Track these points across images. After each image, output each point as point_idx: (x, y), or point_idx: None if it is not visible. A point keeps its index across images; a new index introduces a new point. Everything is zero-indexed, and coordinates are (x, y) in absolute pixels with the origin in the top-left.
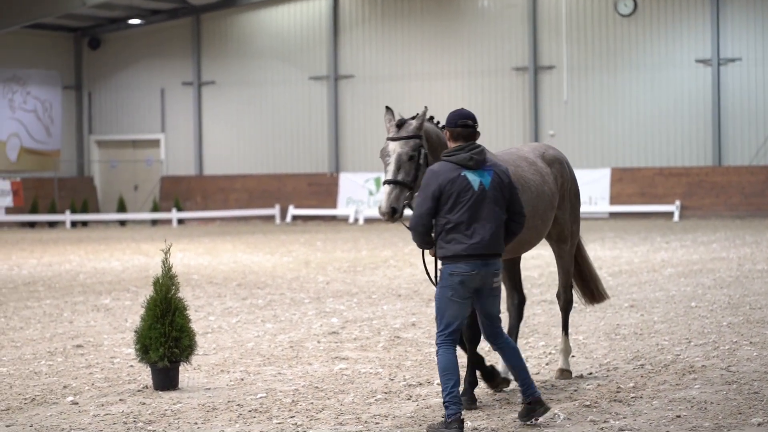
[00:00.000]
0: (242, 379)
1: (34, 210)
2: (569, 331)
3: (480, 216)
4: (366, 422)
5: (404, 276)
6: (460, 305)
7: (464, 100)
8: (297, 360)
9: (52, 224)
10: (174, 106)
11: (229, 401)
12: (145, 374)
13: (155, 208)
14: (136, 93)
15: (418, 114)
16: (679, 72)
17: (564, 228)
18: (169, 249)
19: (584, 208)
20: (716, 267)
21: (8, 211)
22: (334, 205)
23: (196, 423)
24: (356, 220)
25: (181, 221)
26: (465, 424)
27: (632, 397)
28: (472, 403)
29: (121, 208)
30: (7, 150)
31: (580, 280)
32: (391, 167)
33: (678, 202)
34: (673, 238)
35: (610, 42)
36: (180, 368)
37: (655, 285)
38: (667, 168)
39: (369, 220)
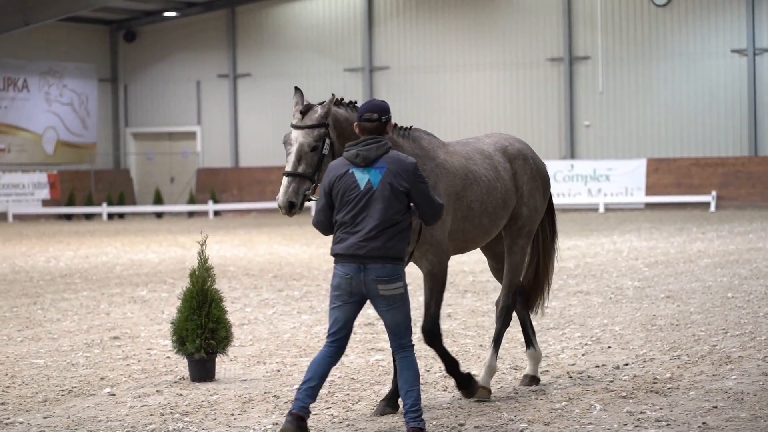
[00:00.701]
0: (278, 371)
1: (70, 202)
2: (500, 346)
3: (365, 216)
4: (402, 414)
5: None
6: (341, 309)
7: (499, 92)
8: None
9: (88, 216)
10: (210, 98)
11: (265, 392)
12: (181, 366)
13: (191, 200)
14: (172, 85)
15: (325, 101)
16: (714, 62)
17: (521, 222)
18: (205, 241)
19: (620, 199)
20: (753, 257)
21: (45, 203)
22: None
23: (232, 414)
24: None
25: (217, 213)
26: (308, 424)
27: (668, 388)
28: (389, 407)
29: (158, 200)
30: (43, 143)
31: (532, 284)
32: (292, 158)
33: (714, 193)
34: (709, 228)
35: (645, 32)
36: (216, 360)
37: (692, 276)
38: (703, 158)
39: None
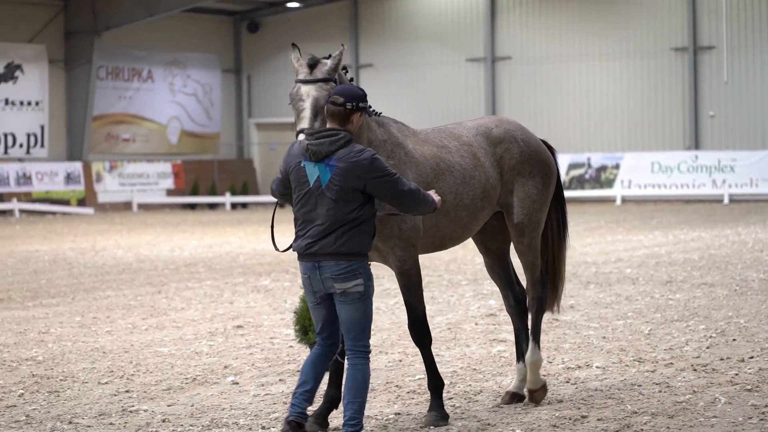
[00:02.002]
0: (400, 361)
1: (194, 192)
2: (541, 338)
3: (316, 214)
4: (525, 405)
5: None
6: (315, 309)
7: (622, 81)
8: (455, 342)
9: (212, 206)
10: None
11: (387, 382)
12: (304, 354)
13: None
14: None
15: (331, 54)
16: None
17: (517, 217)
18: None
19: (745, 190)
20: None
21: (169, 193)
22: None
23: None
24: None
25: None
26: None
27: None
28: (317, 424)
29: None
30: (167, 133)
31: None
32: (307, 113)
33: None
34: None
35: None
36: None
37: None
38: None
39: None
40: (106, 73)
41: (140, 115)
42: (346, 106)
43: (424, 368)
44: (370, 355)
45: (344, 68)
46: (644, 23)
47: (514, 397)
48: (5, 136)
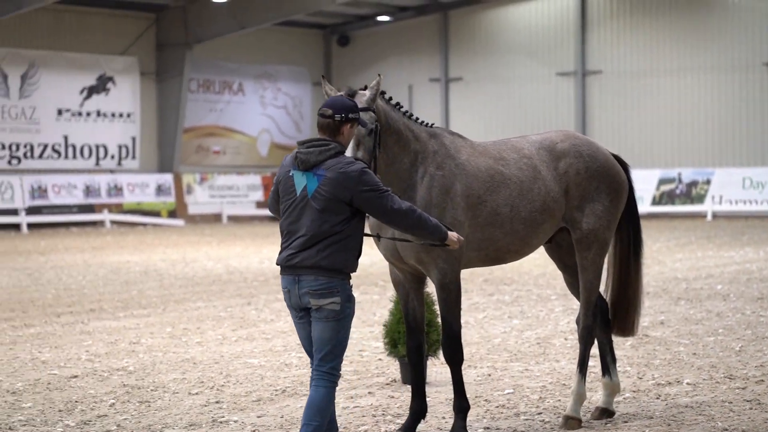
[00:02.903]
0: (489, 375)
1: None
2: (588, 370)
3: (300, 225)
4: (614, 421)
5: (652, 274)
6: (299, 327)
7: (713, 96)
8: (544, 357)
9: None
10: (421, 102)
11: (476, 396)
12: (393, 368)
13: None
14: (384, 89)
15: (368, 85)
16: None
17: (581, 233)
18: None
19: None
20: None
21: (259, 205)
22: None
23: (443, 417)
24: None
25: None
26: None
27: None
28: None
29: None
30: (258, 145)
31: (619, 303)
32: (350, 144)
33: None
34: None
35: None
36: (428, 362)
37: None
38: None
39: None
40: (197, 86)
41: (231, 128)
42: (335, 118)
43: (513, 383)
44: (338, 380)
45: (382, 93)
46: (736, 37)
47: (604, 413)
48: (97, 147)
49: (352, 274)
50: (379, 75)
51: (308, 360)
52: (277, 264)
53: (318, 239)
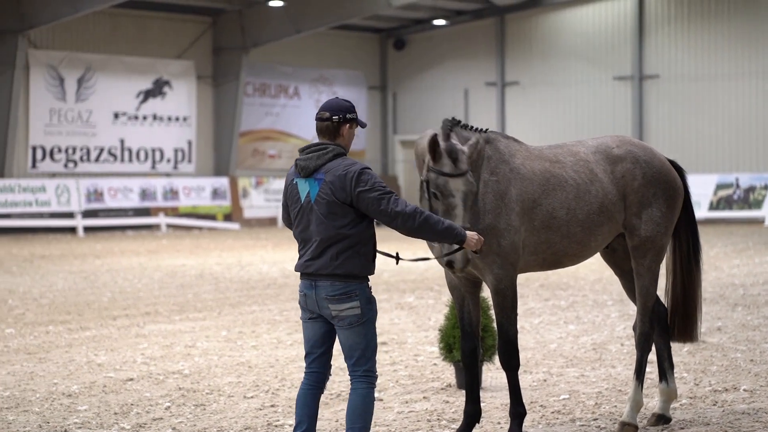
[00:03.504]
0: (545, 380)
1: None
2: (645, 377)
3: (309, 231)
4: (671, 427)
5: (709, 279)
6: (307, 326)
7: None
8: (600, 362)
9: None
10: (477, 106)
11: (532, 402)
12: (448, 372)
13: None
14: (440, 93)
15: (471, 139)
16: None
17: (639, 239)
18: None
19: None
20: None
21: None
22: None
23: (498, 423)
24: None
25: None
26: None
27: None
28: None
29: None
30: None
31: (678, 309)
32: (459, 211)
33: None
34: None
35: None
36: (483, 368)
37: None
38: None
39: None
40: (253, 89)
41: (286, 132)
42: (333, 119)
43: (569, 388)
44: (376, 381)
45: (467, 126)
46: None
47: (660, 419)
48: (153, 151)
49: (375, 278)
50: (483, 131)
51: None
52: (296, 270)
53: (328, 244)
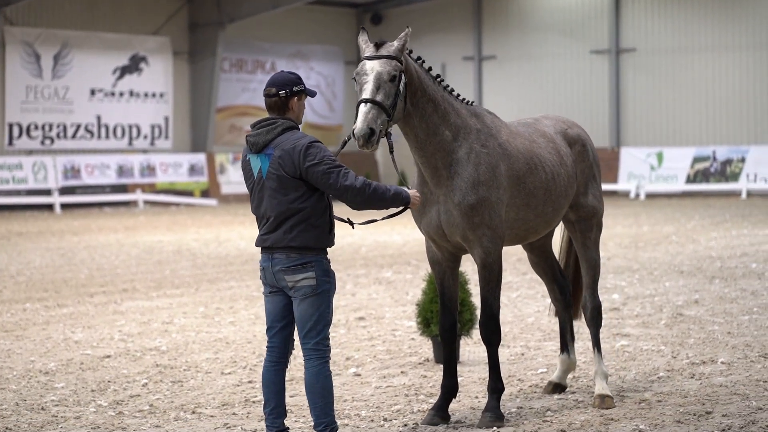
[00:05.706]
0: (522, 354)
1: None
2: (602, 347)
3: (264, 206)
4: (648, 400)
5: (687, 252)
6: (267, 300)
7: (749, 73)
8: (578, 335)
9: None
10: (455, 80)
11: (509, 375)
12: (426, 347)
13: None
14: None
15: (399, 36)
16: None
17: (586, 213)
18: None
19: None
20: None
21: None
22: (614, 180)
23: (476, 397)
24: (637, 195)
25: None
26: None
27: None
28: (437, 417)
29: (402, 182)
30: None
31: (576, 283)
32: (369, 86)
33: None
34: None
35: None
36: (461, 342)
37: None
38: None
39: (650, 195)
40: (229, 65)
41: (263, 107)
42: (280, 94)
43: (546, 362)
44: (329, 353)
45: (409, 51)
46: None
47: (557, 388)
48: (130, 127)
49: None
50: (407, 27)
51: (343, 340)
52: (256, 245)
53: (282, 219)
